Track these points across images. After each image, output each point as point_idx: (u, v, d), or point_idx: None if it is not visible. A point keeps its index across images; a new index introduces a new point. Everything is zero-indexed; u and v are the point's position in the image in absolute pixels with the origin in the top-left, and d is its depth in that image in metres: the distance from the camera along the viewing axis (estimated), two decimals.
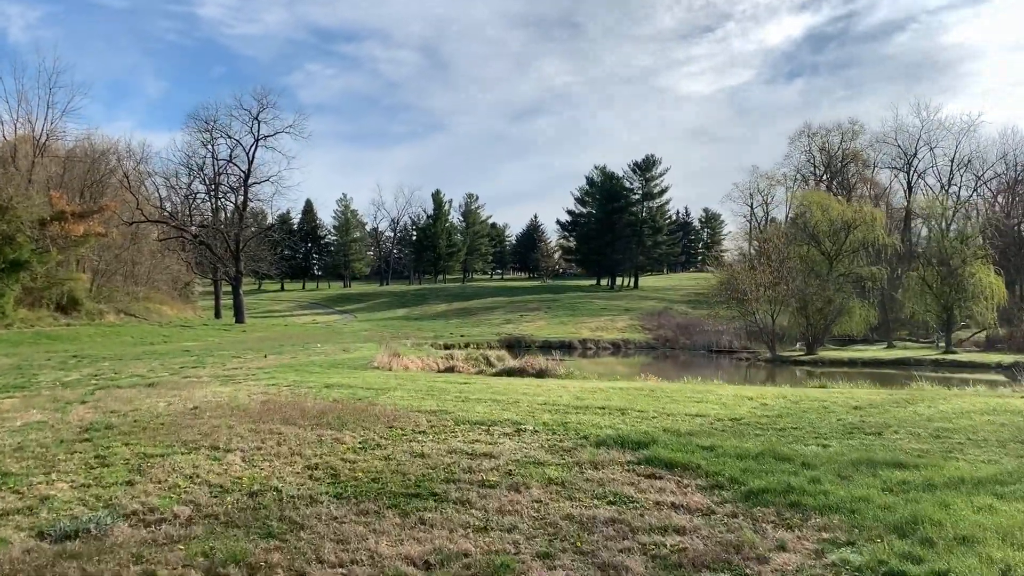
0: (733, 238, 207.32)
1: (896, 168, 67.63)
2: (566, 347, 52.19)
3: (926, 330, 52.46)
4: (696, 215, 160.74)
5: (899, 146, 68.77)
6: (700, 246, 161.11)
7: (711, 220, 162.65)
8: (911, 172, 67.25)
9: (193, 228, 56.13)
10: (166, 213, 56.78)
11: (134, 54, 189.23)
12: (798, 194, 52.39)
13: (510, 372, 22.27)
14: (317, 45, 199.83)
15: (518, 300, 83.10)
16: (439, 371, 23.86)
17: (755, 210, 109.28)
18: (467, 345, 48.34)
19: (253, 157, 58.30)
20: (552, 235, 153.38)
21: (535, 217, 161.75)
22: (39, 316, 40.68)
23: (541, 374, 22.01)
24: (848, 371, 35.62)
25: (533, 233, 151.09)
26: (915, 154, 68.30)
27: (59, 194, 41.93)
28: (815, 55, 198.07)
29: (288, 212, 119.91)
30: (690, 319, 63.33)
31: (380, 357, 21.77)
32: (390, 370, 21.10)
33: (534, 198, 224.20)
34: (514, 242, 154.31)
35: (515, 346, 51.05)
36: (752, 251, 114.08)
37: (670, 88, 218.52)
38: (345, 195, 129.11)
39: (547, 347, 51.92)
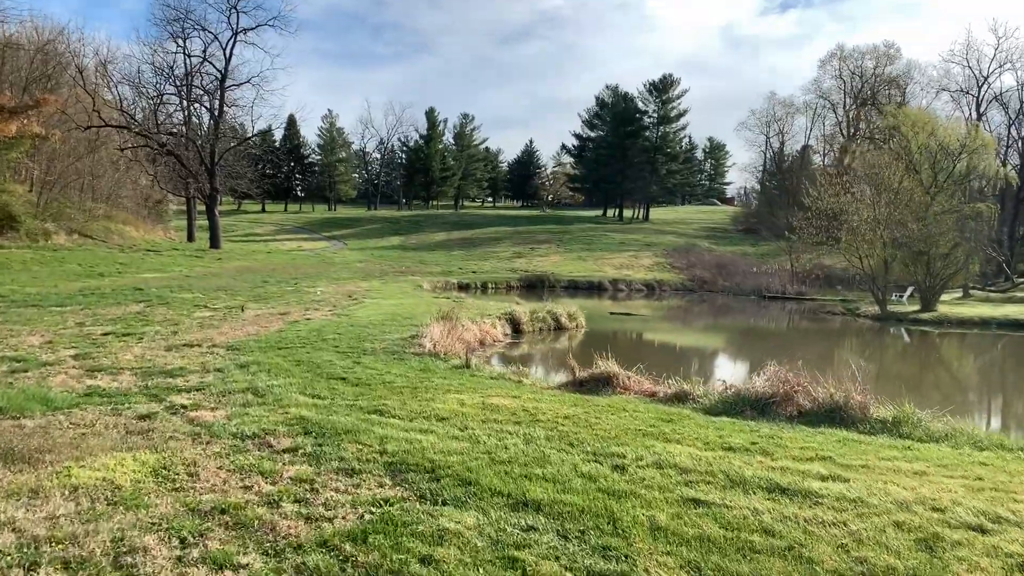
0: (738, 170, 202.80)
1: (961, 92, 59.83)
2: (594, 288, 45.26)
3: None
4: (701, 145, 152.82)
5: (968, 67, 60.80)
6: (703, 178, 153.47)
7: (715, 151, 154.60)
8: (979, 98, 59.58)
9: (162, 136, 47.60)
10: (130, 118, 48.16)
11: None
12: (892, 111, 44.93)
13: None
14: None
15: (524, 231, 75.78)
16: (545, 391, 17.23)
17: (771, 140, 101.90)
18: (484, 285, 41.35)
19: (231, 54, 49.69)
20: (548, 162, 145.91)
21: (530, 143, 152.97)
22: None
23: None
24: (997, 334, 29.77)
25: (528, 160, 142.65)
26: (986, 78, 60.37)
27: None
28: None
29: (270, 128, 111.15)
30: (724, 257, 56.56)
31: (433, 331, 14.41)
32: (468, 365, 12.64)
33: (522, 126, 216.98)
34: (506, 169, 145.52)
35: (537, 286, 44.08)
36: (769, 183, 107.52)
37: (662, 16, 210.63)
38: (331, 111, 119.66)
39: (573, 287, 44.98)
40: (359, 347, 13.79)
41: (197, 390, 9.49)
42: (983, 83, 60.44)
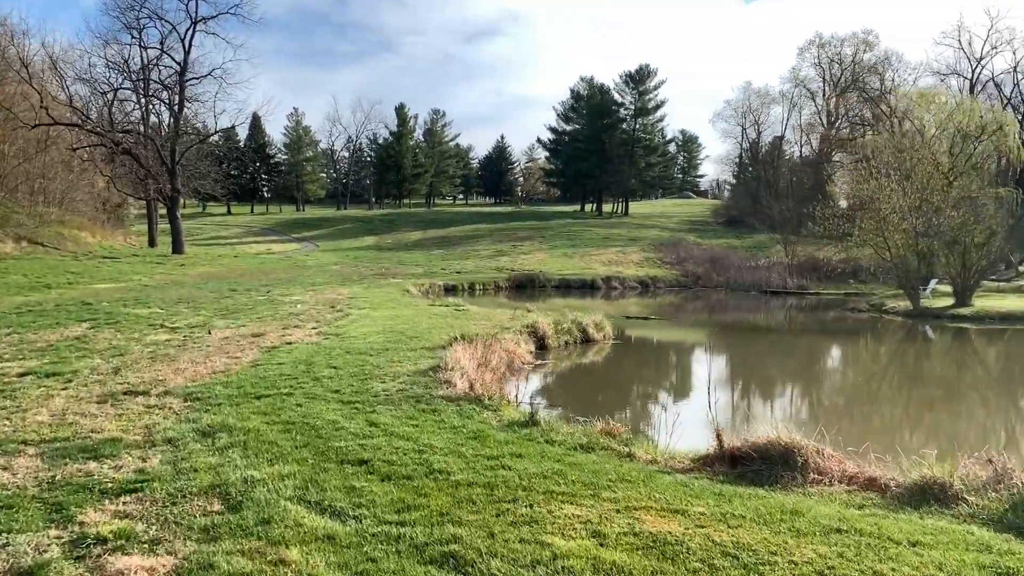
0: (712, 162, 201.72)
1: (950, 74, 58.01)
2: (587, 287, 42.73)
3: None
4: (674, 138, 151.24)
5: (962, 49, 59.07)
6: (676, 171, 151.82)
7: (688, 143, 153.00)
8: (973, 80, 57.83)
9: (116, 134, 43.95)
10: (83, 116, 44.51)
11: None
12: (909, 94, 42.80)
13: None
14: None
15: (503, 228, 73.06)
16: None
17: (747, 130, 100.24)
18: (471, 286, 38.61)
19: (190, 45, 46.16)
20: (520, 158, 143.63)
21: (502, 138, 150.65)
22: None
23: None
24: None
25: (500, 156, 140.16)
26: (979, 60, 58.62)
27: None
28: None
29: (233, 126, 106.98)
30: (715, 251, 54.38)
31: (459, 358, 11.19)
32: (535, 423, 8.82)
33: (491, 123, 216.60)
34: (477, 166, 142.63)
35: (527, 285, 41.42)
36: (746, 172, 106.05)
37: (624, 14, 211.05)
38: (296, 109, 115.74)
39: (565, 286, 42.38)
40: (366, 389, 10.14)
41: (130, 492, 6.09)
42: (976, 65, 58.85)
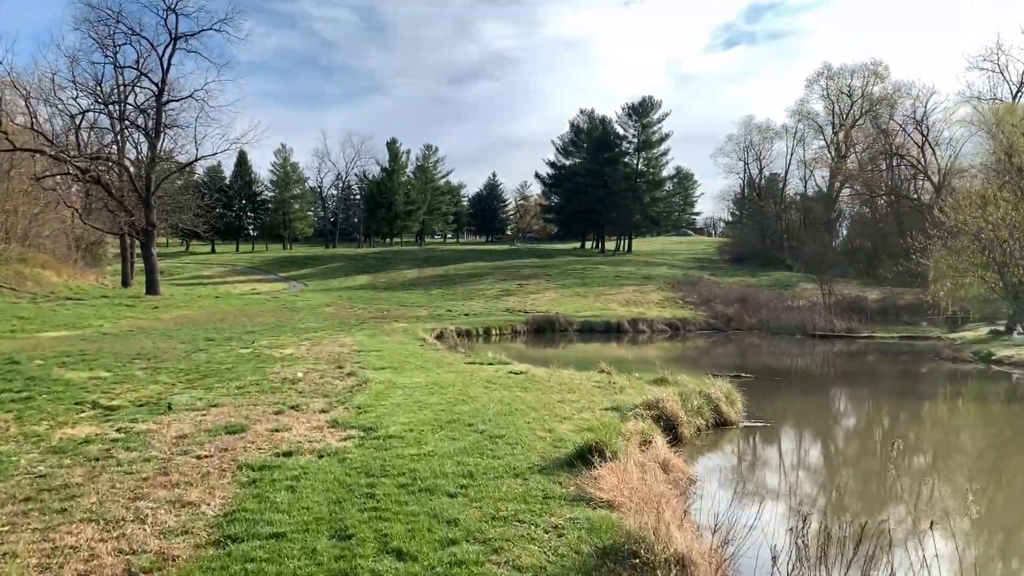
0: (706, 200, 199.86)
1: (991, 99, 54.30)
2: (612, 330, 38.13)
3: None
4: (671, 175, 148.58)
5: (1001, 72, 55.51)
6: (674, 208, 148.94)
7: (684, 180, 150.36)
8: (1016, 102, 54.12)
9: (81, 161, 39.16)
10: (47, 140, 39.80)
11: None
12: (992, 109, 38.84)
13: None
14: (251, 1, 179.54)
15: (504, 266, 68.58)
16: None
17: (748, 166, 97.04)
18: (487, 331, 33.98)
19: (169, 65, 41.80)
20: (511, 196, 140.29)
21: (493, 175, 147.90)
22: None
23: None
24: None
25: (491, 194, 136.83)
26: (1020, 86, 54.86)
27: None
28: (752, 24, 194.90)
29: (218, 161, 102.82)
30: (742, 290, 50.03)
31: (613, 485, 6.57)
32: None
33: (479, 163, 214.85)
34: (467, 205, 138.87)
35: (546, 329, 36.85)
36: (734, 211, 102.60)
37: (611, 54, 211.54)
38: (284, 145, 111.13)
39: (588, 330, 37.79)
40: None
41: None
42: (1016, 91, 55.23)
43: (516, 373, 15.00)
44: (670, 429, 11.69)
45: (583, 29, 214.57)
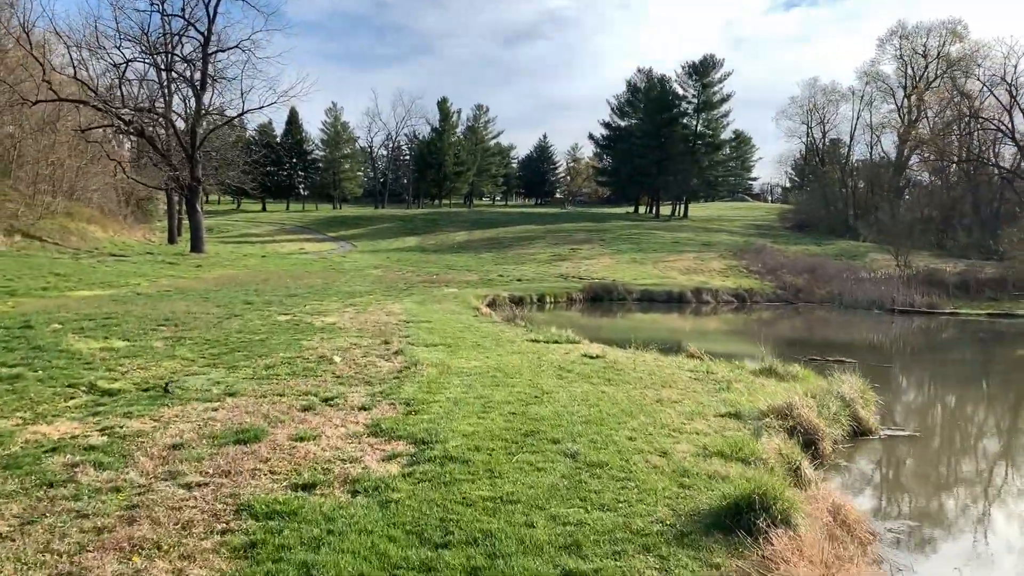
0: (762, 165, 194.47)
1: None
2: (673, 300, 35.85)
3: None
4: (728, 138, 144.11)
5: None
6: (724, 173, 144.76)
7: (741, 144, 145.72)
8: None
9: (125, 111, 37.96)
10: (91, 91, 38.62)
11: None
12: None
13: None
14: None
15: (555, 229, 66.34)
16: None
17: (812, 129, 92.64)
18: (541, 298, 32.05)
19: (215, 12, 40.20)
20: (562, 158, 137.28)
21: (544, 137, 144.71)
22: None
23: None
24: None
25: (542, 156, 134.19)
26: None
27: None
28: None
29: (270, 123, 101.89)
30: (810, 260, 47.17)
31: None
32: None
33: (528, 126, 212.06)
34: (516, 167, 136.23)
35: (603, 297, 34.75)
36: (795, 176, 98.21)
37: (666, 15, 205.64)
38: (335, 104, 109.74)
39: (648, 299, 35.59)
40: None
41: None
42: None
43: (591, 357, 12.80)
44: (808, 444, 9.08)
45: None
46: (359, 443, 7.74)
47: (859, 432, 11.03)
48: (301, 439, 7.77)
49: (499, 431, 8.37)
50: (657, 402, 10.17)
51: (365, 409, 8.96)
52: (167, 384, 9.16)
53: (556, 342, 14.46)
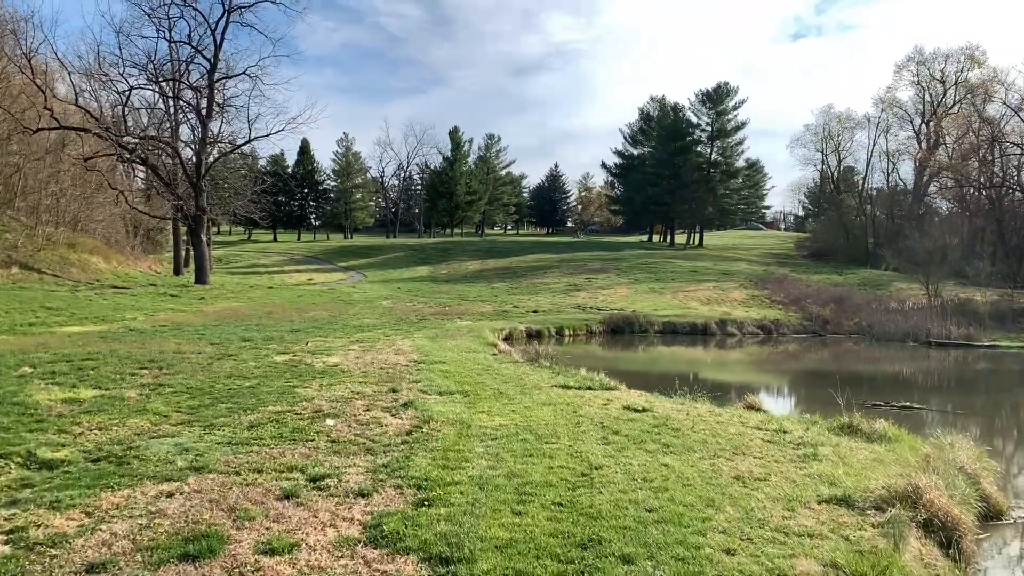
0: (775, 193, 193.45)
1: None
2: (697, 332, 34.21)
3: None
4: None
5: None
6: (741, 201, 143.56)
7: (755, 172, 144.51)
8: None
9: (128, 139, 36.84)
10: (93, 119, 37.60)
11: None
12: None
13: None
14: None
15: (569, 258, 64.91)
16: None
17: (827, 157, 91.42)
18: (559, 331, 30.47)
19: (222, 39, 39.31)
20: (573, 187, 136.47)
21: (555, 167, 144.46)
22: None
23: None
24: None
25: (553, 185, 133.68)
26: None
27: None
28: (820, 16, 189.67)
29: (282, 154, 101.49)
30: (835, 290, 45.53)
31: None
32: None
33: (539, 156, 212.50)
34: (527, 196, 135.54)
35: (624, 329, 33.16)
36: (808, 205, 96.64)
37: (674, 47, 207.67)
38: (347, 135, 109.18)
39: (671, 331, 33.97)
40: None
41: None
42: None
43: (636, 410, 10.91)
44: (947, 543, 6.85)
45: (646, 19, 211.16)
46: (352, 560, 5.58)
47: (989, 515, 8.82)
48: (271, 552, 5.61)
49: (545, 540, 6.05)
50: (737, 480, 8.11)
51: (364, 495, 6.90)
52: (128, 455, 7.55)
53: (590, 388, 12.70)
